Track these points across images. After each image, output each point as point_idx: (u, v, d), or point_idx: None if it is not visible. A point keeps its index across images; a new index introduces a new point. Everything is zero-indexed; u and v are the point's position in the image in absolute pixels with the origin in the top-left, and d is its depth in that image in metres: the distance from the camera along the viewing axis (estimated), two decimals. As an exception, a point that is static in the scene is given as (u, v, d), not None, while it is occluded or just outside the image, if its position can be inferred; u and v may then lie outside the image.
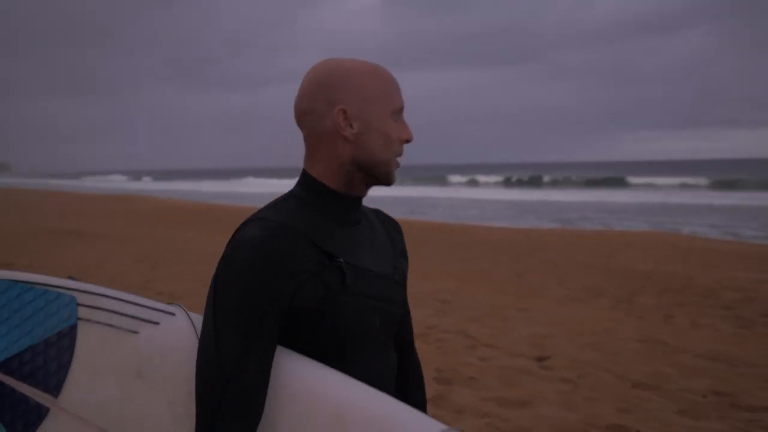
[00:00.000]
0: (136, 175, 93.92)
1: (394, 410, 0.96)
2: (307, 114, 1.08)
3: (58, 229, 12.13)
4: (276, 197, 1.14)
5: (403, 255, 1.29)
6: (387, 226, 1.27)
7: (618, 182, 41.58)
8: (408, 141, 1.10)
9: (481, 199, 29.09)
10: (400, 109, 1.10)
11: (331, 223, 1.09)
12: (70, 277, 1.10)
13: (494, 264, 8.71)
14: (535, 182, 45.55)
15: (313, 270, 1.02)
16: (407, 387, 1.33)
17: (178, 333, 1.04)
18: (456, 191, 36.27)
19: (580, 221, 17.58)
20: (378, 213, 1.29)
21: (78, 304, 1.04)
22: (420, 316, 5.31)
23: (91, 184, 60.45)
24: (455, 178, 51.12)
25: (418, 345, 4.57)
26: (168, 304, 1.11)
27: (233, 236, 1.02)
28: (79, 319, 1.03)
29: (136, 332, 1.03)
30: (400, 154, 1.11)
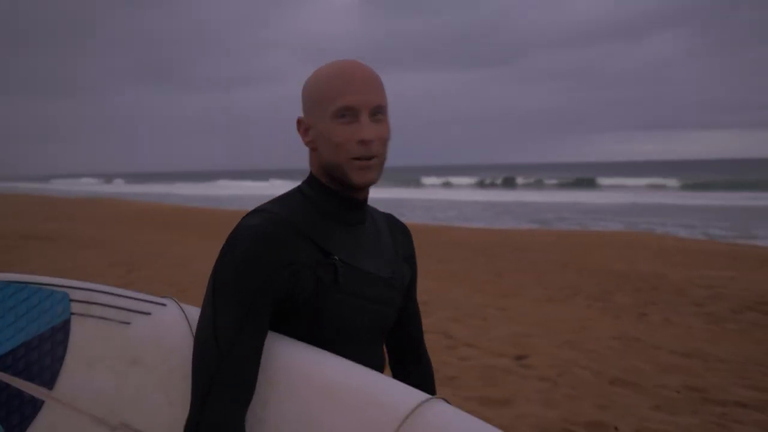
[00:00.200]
0: (107, 178, 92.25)
1: (379, 382, 1.02)
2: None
3: (29, 233, 11.89)
4: (281, 192, 1.18)
5: (408, 260, 1.29)
6: (394, 230, 1.28)
7: (592, 183, 42.21)
8: (362, 141, 1.06)
9: (458, 200, 29.31)
10: (346, 109, 1.05)
11: (331, 221, 1.12)
12: None
13: (473, 264, 8.80)
14: (510, 183, 45.99)
15: (307, 262, 1.06)
16: (418, 385, 1.33)
17: (170, 321, 1.09)
18: (433, 193, 36.45)
19: (557, 222, 17.83)
20: (388, 217, 1.31)
21: (71, 300, 1.08)
22: (400, 317, 5.31)
23: (60, 187, 59.25)
24: (430, 180, 51.31)
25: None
26: (152, 295, 1.14)
27: (236, 225, 1.07)
28: (73, 313, 1.07)
29: (128, 323, 1.07)
30: (361, 156, 1.06)
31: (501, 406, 3.39)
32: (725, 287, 6.82)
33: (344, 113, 1.05)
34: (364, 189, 1.13)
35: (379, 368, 1.22)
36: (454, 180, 49.90)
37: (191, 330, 1.08)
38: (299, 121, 1.14)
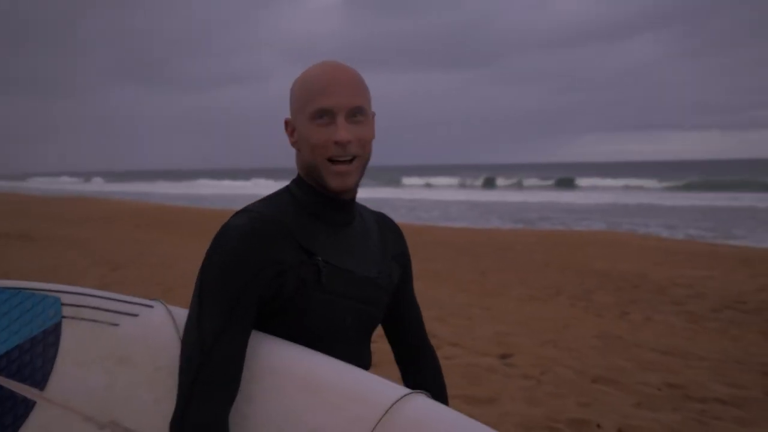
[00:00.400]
0: (87, 177, 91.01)
1: (361, 378, 1.04)
2: None
3: (7, 233, 11.70)
4: (272, 191, 1.19)
5: (399, 258, 1.30)
6: (384, 230, 1.28)
7: (574, 183, 42.57)
8: (337, 143, 1.06)
9: (441, 200, 29.41)
10: (323, 111, 1.07)
11: (317, 221, 1.13)
12: None
13: (457, 264, 8.85)
14: (491, 184, 46.21)
15: (292, 263, 1.07)
16: (425, 377, 1.37)
17: (157, 322, 1.12)
18: (416, 192, 36.52)
19: (540, 221, 17.98)
20: (379, 216, 1.32)
21: (63, 304, 1.12)
22: (385, 317, 5.33)
23: (39, 185, 58.37)
24: (412, 180, 51.34)
25: (382, 346, 4.62)
26: (140, 298, 1.19)
27: (223, 224, 1.08)
28: (64, 317, 1.11)
29: (116, 324, 1.11)
30: (337, 156, 1.07)
31: (485, 405, 3.42)
32: (705, 286, 6.94)
33: (321, 115, 1.07)
34: (345, 193, 1.13)
35: (366, 367, 1.23)
36: (436, 180, 49.94)
37: (177, 330, 1.11)
38: (286, 122, 1.16)
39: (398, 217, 18.72)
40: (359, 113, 1.09)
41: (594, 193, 32.76)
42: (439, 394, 1.36)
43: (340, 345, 1.15)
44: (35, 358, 1.08)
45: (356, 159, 1.09)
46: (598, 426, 3.12)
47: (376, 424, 0.97)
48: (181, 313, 1.14)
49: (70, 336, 1.10)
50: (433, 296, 6.30)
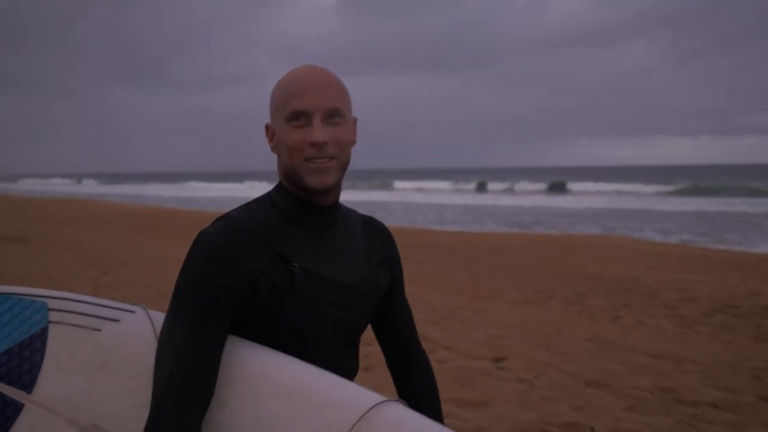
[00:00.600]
0: (79, 178, 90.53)
1: (335, 384, 1.05)
2: None
3: (1, 235, 11.62)
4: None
5: (386, 263, 1.28)
6: (372, 234, 1.27)
7: (567, 187, 42.71)
8: (312, 144, 1.07)
9: (434, 203, 29.44)
10: (299, 112, 1.07)
11: (297, 227, 1.13)
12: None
13: (450, 267, 8.86)
14: (484, 187, 46.28)
15: (265, 269, 1.07)
16: (417, 381, 1.35)
17: (137, 328, 1.15)
18: (409, 196, 36.54)
19: (533, 225, 18.02)
20: (367, 221, 1.30)
21: (49, 309, 1.16)
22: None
23: (30, 187, 58.00)
24: (406, 184, 51.32)
25: (374, 349, 4.62)
26: (129, 303, 1.21)
27: (200, 231, 1.09)
28: (50, 322, 1.15)
29: (99, 330, 1.15)
30: (314, 157, 1.08)
31: (479, 408, 3.42)
32: (697, 290, 6.98)
33: (298, 116, 1.07)
34: (323, 193, 1.12)
35: (352, 373, 1.22)
36: (429, 184, 49.94)
37: (156, 336, 1.13)
38: (267, 127, 1.16)
39: (391, 220, 18.72)
40: (336, 115, 1.09)
41: (586, 197, 32.89)
42: (431, 400, 1.34)
43: (322, 352, 1.14)
44: (23, 362, 1.12)
45: (333, 159, 1.09)
46: (592, 429, 3.13)
47: (350, 431, 0.97)
48: (161, 319, 1.15)
49: (55, 341, 1.14)
50: (426, 299, 6.30)
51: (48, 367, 1.12)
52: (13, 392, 1.11)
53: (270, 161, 1.21)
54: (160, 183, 68.80)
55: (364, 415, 0.98)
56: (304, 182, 1.09)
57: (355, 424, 0.97)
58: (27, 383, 1.11)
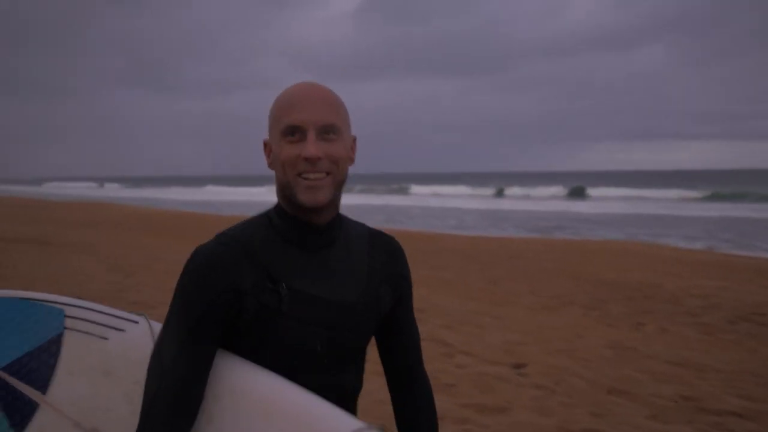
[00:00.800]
0: (100, 182, 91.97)
1: (320, 408, 1.05)
2: None
3: (24, 238, 11.83)
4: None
5: (391, 280, 1.24)
6: (377, 251, 1.23)
7: (587, 193, 42.28)
8: (305, 159, 1.06)
9: (452, 208, 29.35)
10: (293, 127, 1.07)
11: (290, 246, 1.13)
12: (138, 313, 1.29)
13: (467, 272, 8.81)
14: (504, 192, 45.97)
15: (252, 288, 1.08)
16: (414, 408, 1.28)
17: (139, 339, 1.20)
18: (427, 200, 36.47)
19: (553, 230, 17.84)
20: (374, 236, 1.26)
21: (65, 316, 1.22)
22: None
23: (54, 190, 58.99)
24: (424, 188, 51.14)
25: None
26: (133, 313, 1.26)
27: (195, 248, 1.11)
28: (66, 328, 1.21)
29: (106, 338, 1.21)
30: (307, 172, 1.07)
31: (497, 414, 3.39)
32: (720, 297, 6.86)
33: (293, 131, 1.07)
34: (317, 211, 1.11)
35: (352, 393, 1.21)
36: (447, 189, 49.74)
37: None
38: (264, 144, 1.15)
39: (410, 225, 18.71)
40: (331, 131, 1.08)
41: (606, 202, 32.54)
42: (428, 429, 1.27)
43: (315, 372, 1.13)
44: (41, 365, 1.19)
45: (328, 176, 1.08)
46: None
47: None
48: None
49: (68, 346, 1.21)
50: (443, 304, 6.28)
51: (60, 371, 1.19)
52: (31, 392, 1.17)
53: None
54: (178, 186, 69.66)
55: None
56: (297, 199, 1.08)
57: None
58: (42, 385, 1.18)
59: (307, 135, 1.06)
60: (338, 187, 1.12)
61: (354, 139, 1.17)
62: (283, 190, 1.11)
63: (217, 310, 1.06)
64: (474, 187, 49.52)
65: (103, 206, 26.07)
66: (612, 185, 47.32)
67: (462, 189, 48.99)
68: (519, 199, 37.41)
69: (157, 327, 1.20)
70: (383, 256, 1.23)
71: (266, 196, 37.49)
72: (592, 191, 42.21)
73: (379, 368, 1.32)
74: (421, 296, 6.78)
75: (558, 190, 44.45)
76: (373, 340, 1.27)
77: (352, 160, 1.16)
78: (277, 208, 1.15)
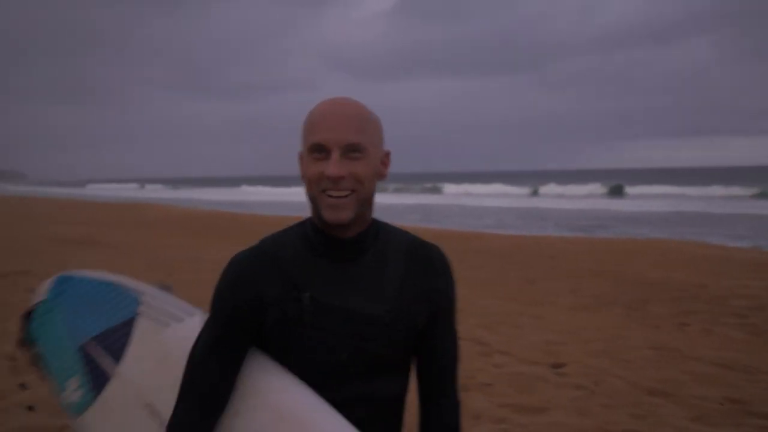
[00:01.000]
0: (141, 183, 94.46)
1: (329, 423, 1.09)
2: None
3: (71, 238, 12.26)
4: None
5: (426, 295, 1.20)
6: (414, 263, 1.21)
7: (628, 191, 41.29)
8: (328, 178, 1.08)
9: (490, 206, 29.08)
10: (318, 145, 1.09)
11: (319, 257, 1.16)
12: (163, 285, 1.45)
13: (505, 272, 8.74)
14: (541, 190, 45.26)
15: (277, 297, 1.13)
16: (436, 428, 1.23)
17: (193, 330, 1.27)
18: (463, 199, 36.22)
19: (595, 229, 17.43)
20: (415, 246, 1.23)
21: (139, 302, 1.38)
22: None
23: (98, 192, 60.84)
24: (460, 187, 50.66)
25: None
26: (192, 306, 1.37)
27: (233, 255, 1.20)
28: (137, 313, 1.36)
29: (167, 326, 1.32)
30: (330, 190, 1.09)
31: (535, 414, 3.37)
32: (768, 298, 6.63)
33: (319, 149, 1.09)
34: (341, 227, 1.13)
35: (391, 401, 1.20)
36: (483, 187, 49.16)
37: None
38: (300, 156, 1.18)
39: (446, 224, 18.61)
40: (356, 150, 1.09)
41: (649, 200, 31.72)
42: None
43: (345, 381, 1.15)
44: (116, 341, 1.35)
45: (352, 194, 1.10)
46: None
47: None
48: None
49: (137, 329, 1.35)
50: (480, 304, 6.25)
51: (130, 350, 1.34)
52: (108, 364, 1.35)
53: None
54: (217, 187, 71.04)
55: None
56: (321, 215, 1.12)
57: None
58: (116, 359, 1.36)
59: (331, 154, 1.08)
60: (363, 204, 1.13)
61: (387, 154, 1.19)
62: (312, 204, 1.14)
63: (242, 318, 1.14)
64: (510, 186, 48.89)
65: (146, 207, 26.77)
66: (653, 183, 46.02)
67: (497, 188, 48.40)
68: (556, 198, 36.78)
69: None
70: (420, 269, 1.21)
71: (301, 196, 37.81)
72: (631, 189, 41.16)
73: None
74: (459, 296, 6.72)
75: (595, 188, 43.52)
76: None
77: (382, 176, 1.17)
78: (310, 220, 1.19)
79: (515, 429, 3.16)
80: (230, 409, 1.15)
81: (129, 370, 1.32)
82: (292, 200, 35.01)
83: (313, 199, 1.13)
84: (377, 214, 1.24)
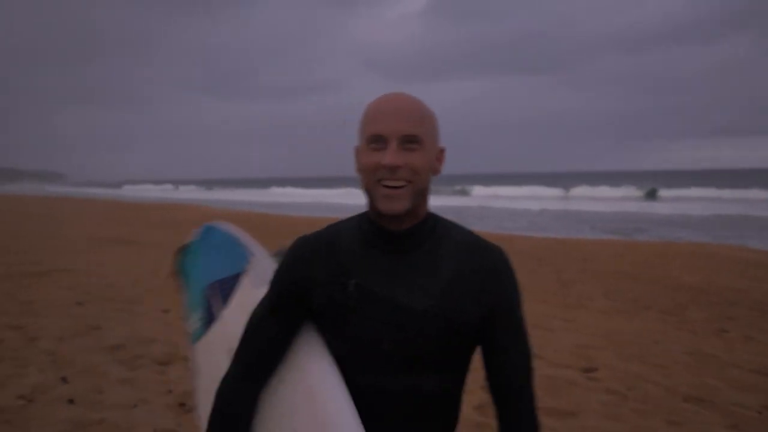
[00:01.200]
0: (175, 185, 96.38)
1: (343, 417, 1.14)
2: None
3: (109, 237, 12.58)
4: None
5: (477, 295, 1.16)
6: (468, 262, 1.18)
7: (665, 193, 40.34)
8: (384, 167, 1.10)
9: (522, 208, 28.76)
10: (376, 136, 1.11)
11: (371, 248, 1.19)
12: (279, 252, 1.52)
13: (538, 274, 8.64)
14: (577, 191, 44.52)
15: (324, 281, 1.19)
16: None
17: None
18: (495, 201, 35.88)
19: (632, 232, 17.07)
20: (473, 246, 1.21)
21: (248, 261, 1.53)
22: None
23: (133, 193, 62.27)
24: (492, 189, 50.09)
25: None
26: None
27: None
28: (244, 270, 1.52)
29: (259, 288, 1.40)
30: (386, 179, 1.10)
31: (567, 418, 3.33)
32: (812, 304, 6.41)
33: (376, 140, 1.12)
34: (396, 219, 1.14)
35: (435, 398, 1.18)
36: (514, 190, 48.56)
37: None
38: (356, 150, 1.21)
39: (479, 226, 18.48)
40: (414, 141, 1.11)
41: (688, 202, 30.91)
42: None
43: (387, 372, 1.16)
44: (229, 288, 1.52)
45: (408, 185, 1.11)
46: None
47: None
48: None
49: (240, 284, 1.51)
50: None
51: (233, 300, 1.50)
52: (218, 307, 1.51)
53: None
54: (247, 188, 72.01)
55: None
56: (376, 205, 1.14)
57: None
58: (224, 304, 1.52)
59: (389, 144, 1.10)
60: (418, 196, 1.14)
61: (442, 150, 1.20)
62: (368, 195, 1.16)
63: (293, 292, 1.21)
64: (541, 187, 48.23)
65: (180, 207, 27.28)
66: (696, 185, 44.78)
67: (526, 190, 47.77)
68: (589, 200, 36.13)
69: None
70: (475, 268, 1.18)
71: (340, 198, 37.98)
72: (666, 192, 40.15)
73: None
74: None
75: (630, 190, 42.59)
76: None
77: (437, 171, 1.18)
78: (366, 212, 1.23)
79: (546, 432, 3.13)
80: (276, 376, 1.24)
81: (228, 317, 1.48)
82: (320, 201, 35.23)
83: (368, 190, 1.15)
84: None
